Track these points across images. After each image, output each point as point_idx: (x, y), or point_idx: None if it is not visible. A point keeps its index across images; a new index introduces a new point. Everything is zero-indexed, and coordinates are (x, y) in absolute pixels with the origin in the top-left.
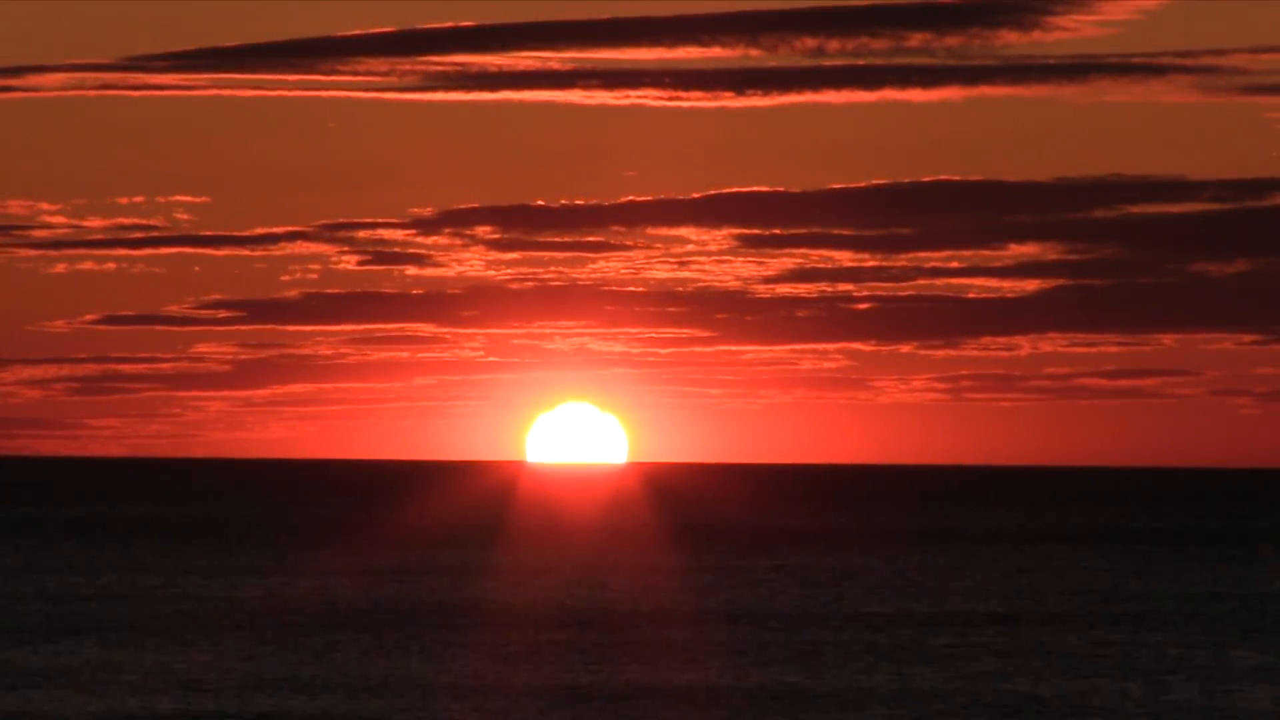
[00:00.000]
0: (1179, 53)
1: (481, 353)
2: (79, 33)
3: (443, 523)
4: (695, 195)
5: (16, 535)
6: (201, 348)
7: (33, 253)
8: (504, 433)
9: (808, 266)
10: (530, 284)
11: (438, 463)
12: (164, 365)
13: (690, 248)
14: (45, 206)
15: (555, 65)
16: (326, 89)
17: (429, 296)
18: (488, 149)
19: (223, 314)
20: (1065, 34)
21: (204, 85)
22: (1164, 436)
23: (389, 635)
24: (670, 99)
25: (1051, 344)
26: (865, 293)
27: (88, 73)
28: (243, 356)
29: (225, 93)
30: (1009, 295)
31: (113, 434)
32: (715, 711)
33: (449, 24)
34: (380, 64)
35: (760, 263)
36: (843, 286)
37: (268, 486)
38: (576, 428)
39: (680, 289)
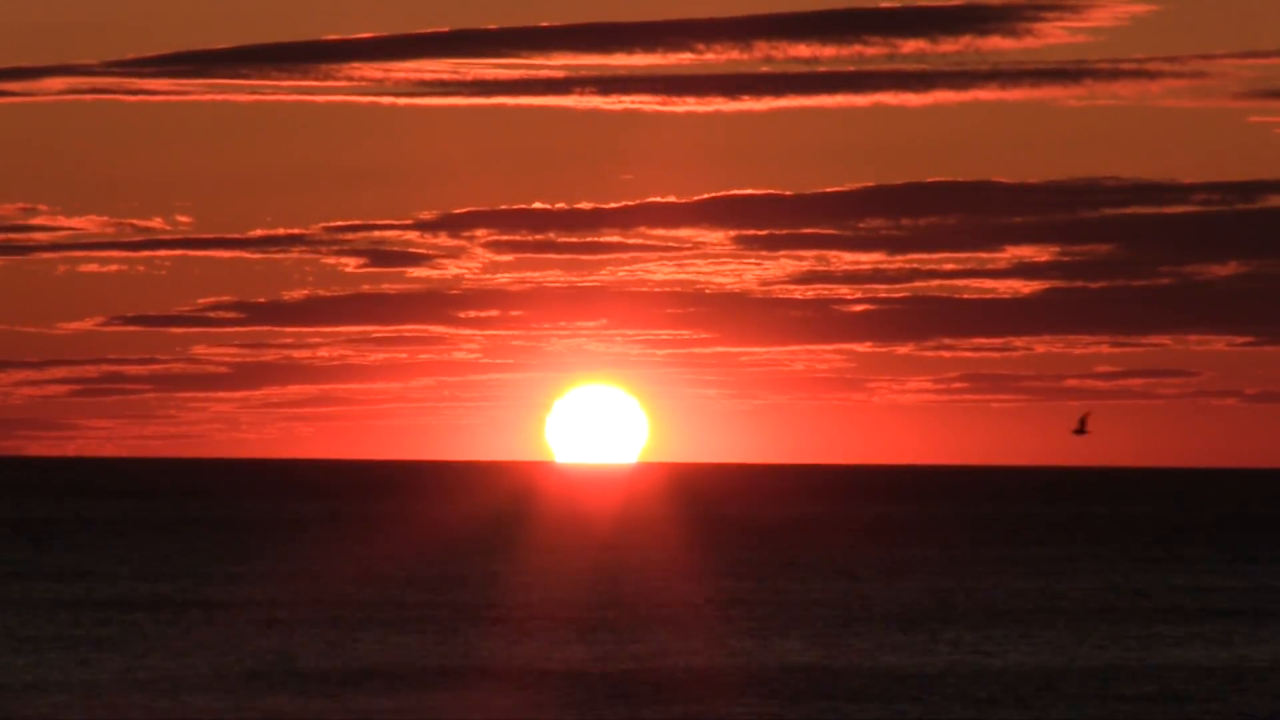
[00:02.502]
0: (1168, 58)
1: (480, 354)
2: (71, 35)
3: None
4: (692, 198)
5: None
6: (201, 350)
7: (33, 256)
8: (502, 433)
9: (804, 268)
10: (528, 286)
11: (436, 463)
12: (164, 367)
13: (687, 250)
14: (46, 210)
15: (549, 71)
16: (322, 94)
17: (427, 298)
18: (486, 153)
19: (222, 316)
20: (1056, 39)
21: (200, 90)
22: (1159, 437)
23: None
24: (663, 104)
25: (1046, 345)
26: (861, 294)
27: (81, 77)
28: (242, 359)
29: (221, 98)
30: (1003, 297)
31: (116, 436)
32: None
33: (446, 28)
34: (374, 69)
35: (757, 265)
36: (838, 288)
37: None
38: (578, 427)
39: (677, 291)
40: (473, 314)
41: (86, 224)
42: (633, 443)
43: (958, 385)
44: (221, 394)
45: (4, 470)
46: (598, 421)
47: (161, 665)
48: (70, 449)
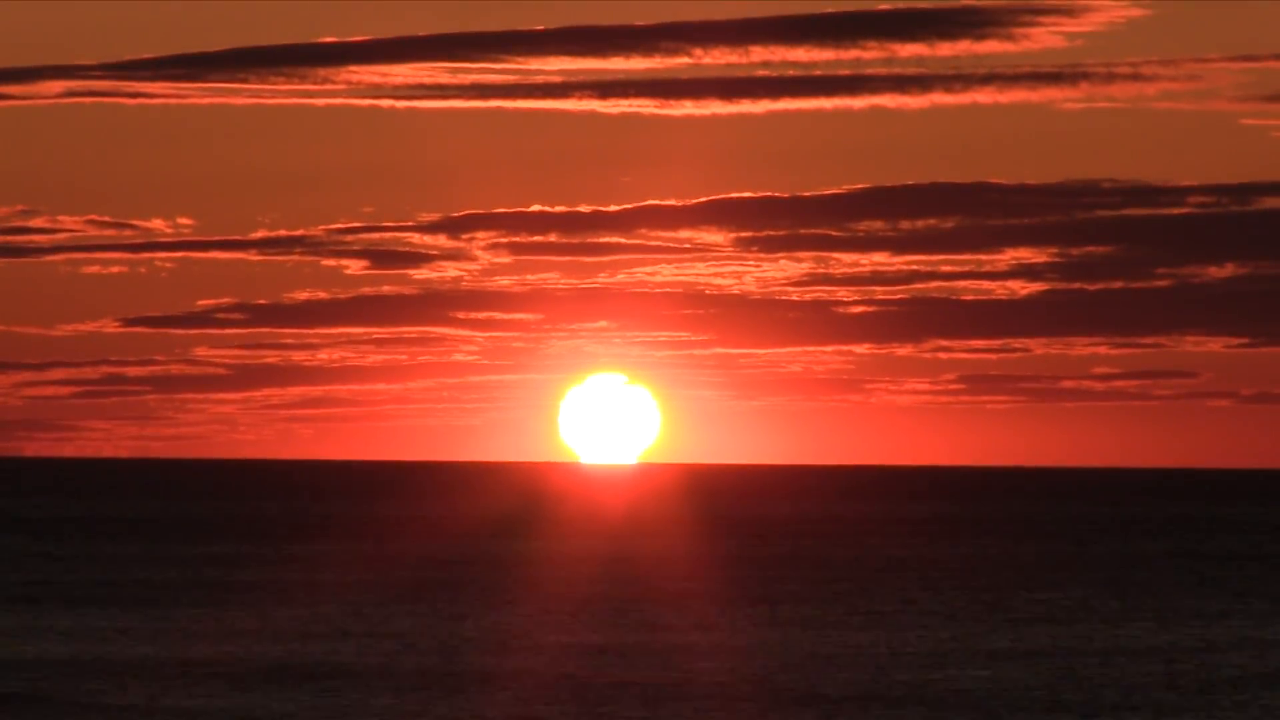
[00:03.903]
0: (1162, 60)
1: (479, 356)
2: (65, 37)
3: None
4: (691, 201)
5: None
6: (202, 351)
7: (35, 259)
8: (501, 434)
9: (803, 270)
10: (528, 288)
11: (435, 463)
12: (164, 368)
13: (686, 252)
14: (47, 211)
15: (546, 74)
16: (321, 96)
17: (427, 300)
18: (485, 156)
19: (223, 317)
20: (1052, 42)
21: (199, 93)
22: (1155, 438)
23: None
24: (661, 107)
25: (1044, 346)
26: (859, 296)
27: (79, 80)
28: (243, 360)
29: (221, 100)
30: (1001, 298)
31: (115, 437)
32: None
33: (443, 32)
34: (371, 72)
35: (756, 266)
36: (837, 290)
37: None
38: (589, 425)
39: (677, 293)
40: (472, 316)
41: (87, 226)
42: (641, 441)
43: (956, 386)
44: (222, 395)
45: (5, 470)
46: (608, 419)
47: (197, 654)
48: (70, 450)
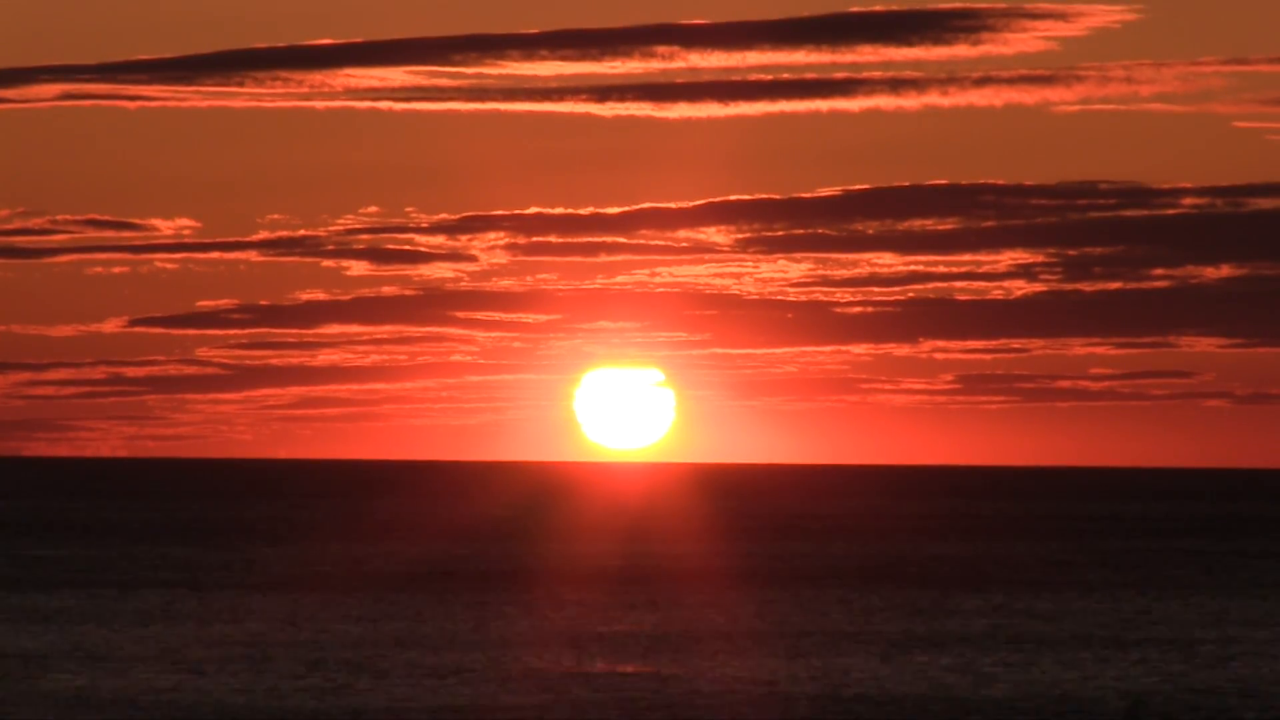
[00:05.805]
0: (1156, 63)
1: (479, 356)
2: (62, 38)
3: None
4: (689, 203)
5: None
6: (203, 351)
7: (36, 260)
8: (501, 434)
9: (800, 271)
10: (527, 289)
11: (436, 463)
12: (164, 369)
13: (684, 253)
14: (49, 213)
15: (543, 77)
16: (321, 99)
17: (427, 301)
18: (484, 158)
19: (225, 318)
20: (1048, 45)
21: (198, 96)
22: (1152, 438)
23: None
24: (658, 109)
25: (1041, 347)
26: (857, 296)
27: (75, 83)
28: (244, 360)
29: (220, 104)
30: (998, 298)
31: (114, 436)
32: None
33: (441, 34)
34: (370, 74)
35: (754, 267)
36: (835, 291)
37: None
38: (580, 427)
39: (674, 293)
40: (472, 316)
41: (89, 227)
42: (645, 438)
43: (953, 387)
44: (223, 395)
45: (10, 471)
46: (620, 416)
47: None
48: (71, 450)
